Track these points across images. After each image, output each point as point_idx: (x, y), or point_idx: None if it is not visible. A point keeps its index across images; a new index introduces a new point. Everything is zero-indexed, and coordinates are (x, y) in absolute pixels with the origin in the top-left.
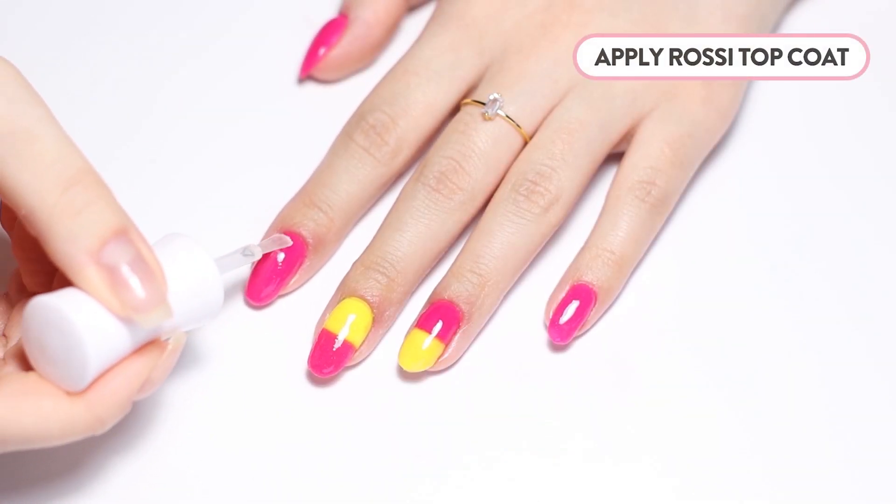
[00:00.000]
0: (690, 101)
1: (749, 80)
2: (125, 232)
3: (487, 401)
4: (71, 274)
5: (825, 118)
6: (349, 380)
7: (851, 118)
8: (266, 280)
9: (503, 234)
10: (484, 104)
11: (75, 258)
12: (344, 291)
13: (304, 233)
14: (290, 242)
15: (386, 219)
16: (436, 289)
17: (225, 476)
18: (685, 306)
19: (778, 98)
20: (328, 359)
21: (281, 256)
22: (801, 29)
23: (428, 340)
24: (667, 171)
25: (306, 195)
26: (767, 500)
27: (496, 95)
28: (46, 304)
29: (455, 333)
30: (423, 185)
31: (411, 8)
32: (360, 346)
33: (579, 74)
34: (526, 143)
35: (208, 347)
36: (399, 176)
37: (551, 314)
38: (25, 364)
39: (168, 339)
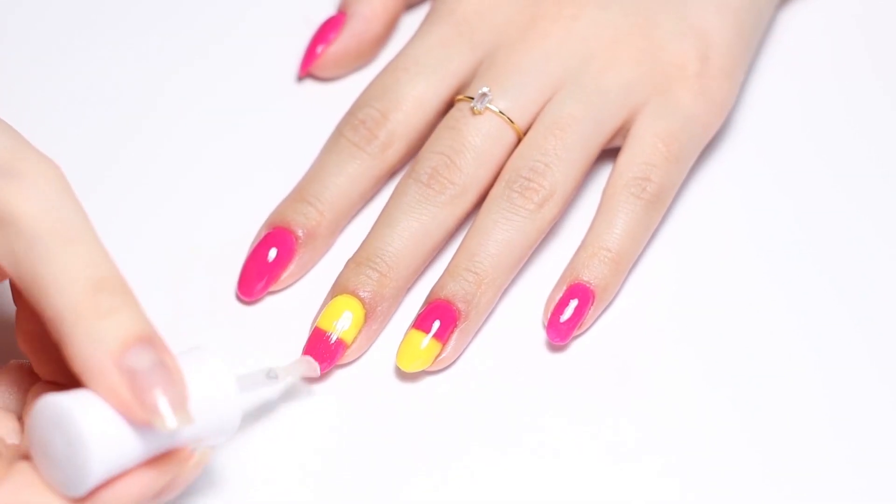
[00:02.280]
0: (684, 95)
1: (744, 72)
2: (149, 339)
3: (486, 401)
4: (89, 376)
5: (824, 115)
6: (347, 380)
7: (850, 116)
8: (257, 275)
9: (498, 231)
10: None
11: (97, 360)
12: (337, 289)
13: (294, 228)
14: (317, 371)
15: (379, 216)
16: (433, 289)
17: (220, 475)
18: (684, 305)
19: (776, 95)
20: (321, 355)
21: (272, 252)
22: (798, 27)
23: (426, 340)
24: (662, 166)
25: (297, 192)
26: (767, 499)
27: (485, 89)
28: (53, 404)
29: (452, 333)
30: (414, 182)
31: (410, 5)
32: (353, 342)
33: (571, 69)
34: (520, 139)
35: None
36: (392, 171)
37: (549, 314)
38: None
39: (193, 451)
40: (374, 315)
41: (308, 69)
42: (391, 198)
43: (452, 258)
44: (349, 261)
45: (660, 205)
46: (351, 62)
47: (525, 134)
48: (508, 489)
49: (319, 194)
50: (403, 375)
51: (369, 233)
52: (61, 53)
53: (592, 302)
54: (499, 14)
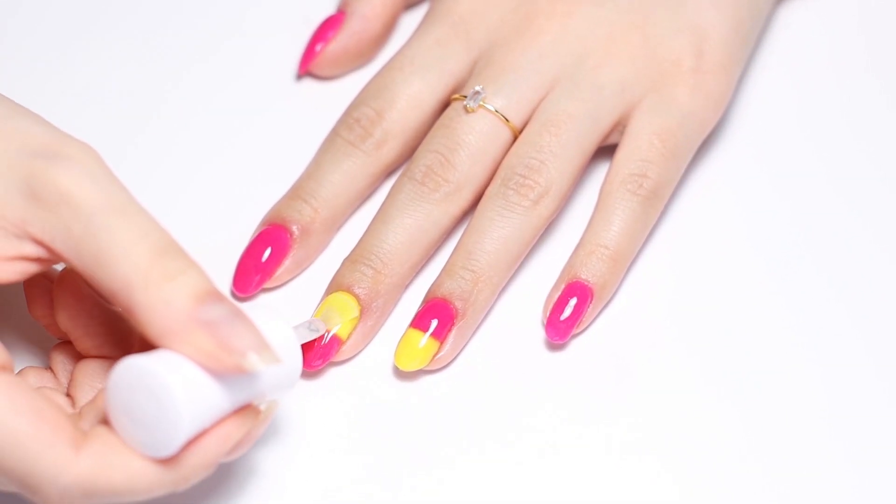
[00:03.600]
0: (680, 91)
1: (741, 67)
2: (218, 294)
3: (484, 400)
4: (169, 337)
5: (821, 113)
6: (345, 379)
7: (848, 113)
8: (252, 271)
9: (495, 229)
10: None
11: (174, 321)
12: (333, 286)
13: (289, 224)
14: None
15: (375, 215)
16: (430, 287)
17: (220, 475)
18: (682, 303)
19: (773, 92)
20: (316, 352)
21: (267, 248)
22: (797, 26)
23: (423, 339)
24: (658, 162)
25: (293, 190)
26: (768, 498)
27: (479, 87)
28: (137, 366)
29: (450, 331)
30: (409, 180)
31: (409, 5)
32: (348, 338)
33: (566, 66)
34: (515, 137)
35: None
36: (388, 170)
37: (548, 312)
38: (107, 422)
39: (261, 405)
40: (369, 311)
41: (307, 68)
42: (387, 196)
43: (450, 257)
44: (345, 259)
45: (657, 201)
46: (350, 61)
47: (521, 132)
48: (507, 488)
49: (315, 192)
50: (401, 374)
51: (365, 231)
52: (60, 54)
53: (591, 300)
54: (494, 13)
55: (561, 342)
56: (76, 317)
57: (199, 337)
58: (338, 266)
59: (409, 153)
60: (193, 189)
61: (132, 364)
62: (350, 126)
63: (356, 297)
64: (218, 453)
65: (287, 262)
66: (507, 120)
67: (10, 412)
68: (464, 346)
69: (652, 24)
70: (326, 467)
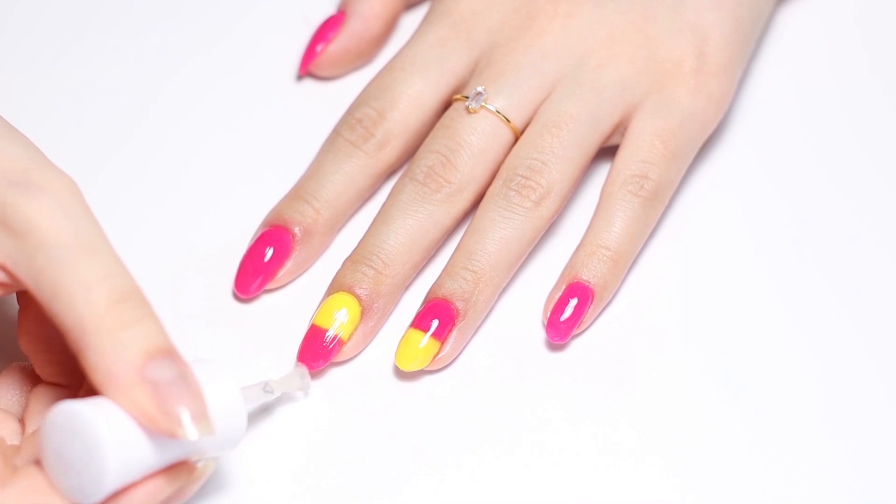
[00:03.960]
0: (681, 92)
1: (742, 68)
2: (170, 352)
3: (485, 400)
4: (111, 387)
5: (822, 114)
6: (346, 379)
7: (848, 114)
8: (254, 273)
9: (496, 230)
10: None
11: (119, 371)
12: (334, 287)
13: (291, 226)
14: (308, 384)
15: (376, 216)
16: (431, 288)
17: (219, 475)
18: (683, 304)
19: (774, 93)
20: (317, 353)
21: (269, 250)
22: (797, 26)
23: (424, 339)
24: (659, 163)
25: (294, 191)
26: (768, 498)
27: (480, 88)
28: (71, 411)
29: (451, 331)
30: (410, 180)
31: (410, 5)
32: (349, 339)
33: (567, 67)
34: (517, 138)
35: (200, 344)
36: (390, 170)
37: (549, 313)
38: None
39: (197, 462)
40: (370, 312)
41: (307, 68)
42: (388, 197)
43: (451, 257)
44: (346, 259)
45: (658, 202)
46: (350, 61)
47: (522, 133)
48: (507, 488)
49: (316, 192)
50: (402, 375)
51: (366, 231)
52: (59, 53)
53: (592, 301)
54: (495, 13)
55: (561, 343)
56: (36, 341)
57: (140, 394)
58: (338, 266)
59: (410, 153)
60: (194, 190)
61: (67, 409)
62: (352, 126)
63: (357, 297)
64: None
65: (289, 264)
66: (508, 120)
67: None
68: (464, 347)
69: (653, 24)
70: (326, 467)
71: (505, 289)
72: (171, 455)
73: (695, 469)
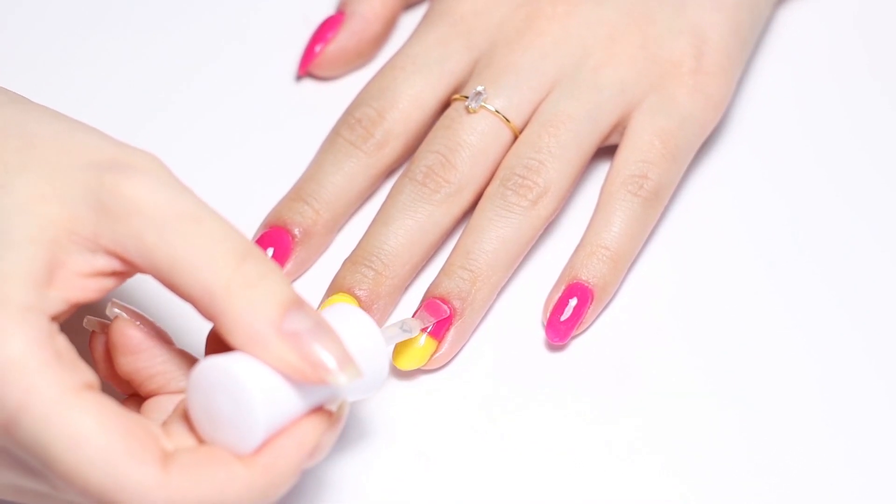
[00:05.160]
0: (680, 93)
1: (741, 69)
2: (300, 302)
3: (484, 400)
4: (252, 345)
5: (821, 114)
6: None
7: (848, 114)
8: None
9: (493, 229)
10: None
11: (258, 329)
12: (333, 288)
13: (291, 227)
14: (446, 313)
15: (375, 216)
16: (429, 287)
17: None
18: (683, 304)
19: (774, 93)
20: None
21: (269, 251)
22: (797, 26)
23: (422, 338)
24: (658, 163)
25: (294, 191)
26: (767, 497)
27: (480, 88)
28: (216, 366)
29: (448, 330)
30: (410, 181)
31: (409, 5)
32: None
33: (566, 67)
34: (516, 138)
35: (201, 344)
36: (389, 170)
37: (549, 314)
38: (191, 431)
39: (333, 408)
40: (370, 313)
41: (307, 68)
42: (388, 197)
43: (448, 257)
44: (346, 260)
45: (657, 202)
46: (350, 61)
47: (521, 132)
48: (506, 488)
49: (316, 193)
50: (400, 373)
51: (366, 232)
52: (60, 55)
53: (591, 301)
54: (495, 13)
55: (561, 343)
56: (137, 361)
57: (283, 348)
58: (335, 266)
59: (409, 153)
60: (191, 188)
61: (210, 364)
62: (351, 126)
63: (357, 298)
64: (300, 456)
65: (289, 264)
66: (507, 120)
67: (100, 429)
68: (462, 346)
69: (652, 25)
70: (325, 466)
71: (504, 289)
72: (314, 400)
73: (695, 468)
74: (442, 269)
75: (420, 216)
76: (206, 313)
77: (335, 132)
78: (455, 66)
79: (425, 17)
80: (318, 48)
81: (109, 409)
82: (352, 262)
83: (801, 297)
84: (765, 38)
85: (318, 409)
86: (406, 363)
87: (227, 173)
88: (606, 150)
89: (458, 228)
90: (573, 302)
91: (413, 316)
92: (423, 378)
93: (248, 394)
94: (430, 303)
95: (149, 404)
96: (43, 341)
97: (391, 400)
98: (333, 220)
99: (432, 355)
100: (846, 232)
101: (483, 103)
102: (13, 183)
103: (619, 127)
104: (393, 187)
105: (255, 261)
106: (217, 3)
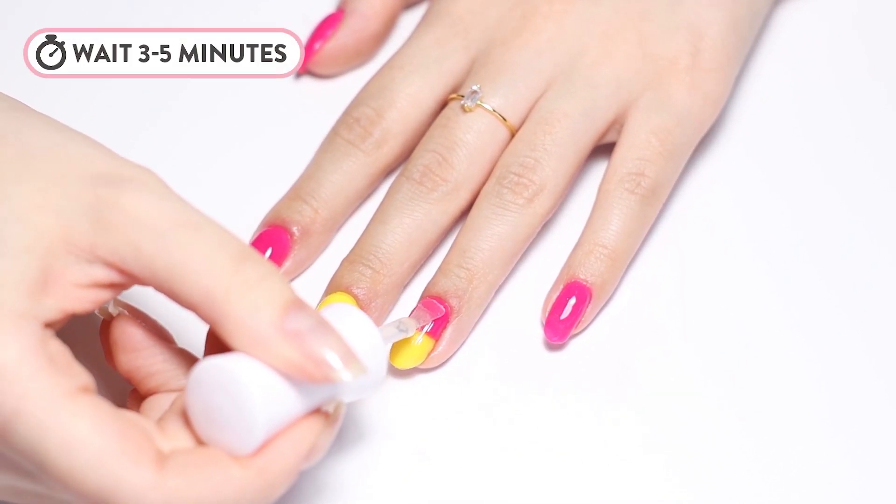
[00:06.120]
0: (676, 90)
1: (738, 66)
2: (300, 301)
3: (483, 399)
4: (254, 346)
5: (819, 112)
6: None
7: (846, 113)
8: None
9: (490, 227)
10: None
11: (260, 331)
12: (332, 287)
13: (290, 225)
14: (441, 311)
15: (373, 215)
16: (426, 286)
17: None
18: (682, 302)
19: (772, 91)
20: None
21: (268, 251)
22: (796, 25)
23: (419, 337)
24: (656, 161)
25: (293, 190)
26: (768, 496)
27: (476, 87)
28: (216, 366)
29: (445, 329)
30: (407, 179)
31: (409, 4)
32: None
33: (562, 65)
34: (513, 136)
35: (200, 344)
36: (388, 170)
37: (547, 313)
38: (187, 429)
39: (330, 409)
40: (368, 312)
41: (306, 66)
42: (385, 196)
43: (446, 255)
44: (344, 259)
45: (655, 200)
46: (349, 59)
47: (518, 131)
48: (505, 488)
49: (315, 192)
50: (397, 372)
51: (364, 231)
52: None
53: (590, 300)
54: (492, 12)
55: (560, 342)
56: (136, 358)
57: (285, 348)
58: (333, 265)
59: (408, 152)
60: (192, 190)
61: (210, 364)
62: (350, 126)
63: (355, 297)
64: (297, 458)
65: (288, 263)
66: (504, 119)
67: (95, 432)
68: (461, 345)
69: (649, 22)
70: (323, 466)
71: (503, 288)
72: (312, 401)
73: (695, 468)
74: (439, 268)
75: (417, 215)
76: (206, 318)
77: (334, 132)
78: (453, 65)
79: (424, 18)
80: (317, 45)
81: (104, 412)
82: (350, 260)
83: (799, 296)
84: (763, 37)
85: (315, 411)
86: (403, 362)
87: (226, 172)
88: (604, 148)
89: (455, 227)
90: (572, 301)
91: (410, 315)
92: (422, 377)
93: (249, 395)
94: (427, 301)
95: (148, 402)
96: (36, 347)
97: (390, 400)
98: (332, 219)
99: (429, 354)
100: (844, 230)
101: (479, 102)
102: (9, 192)
103: (616, 124)
104: (391, 186)
105: (253, 263)
106: (217, 3)
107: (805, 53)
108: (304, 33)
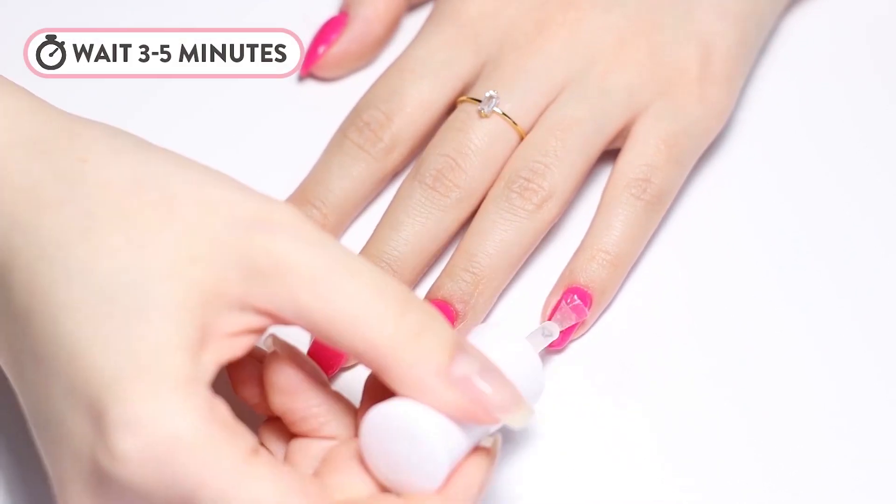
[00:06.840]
0: (686, 99)
1: (745, 78)
2: (464, 345)
3: None
4: (422, 395)
5: (825, 119)
6: (347, 381)
7: (853, 120)
8: None
9: (497, 232)
10: (480, 101)
11: (427, 381)
12: None
13: None
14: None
15: (383, 218)
16: (430, 289)
17: None
18: (683, 308)
19: (778, 98)
20: (325, 360)
21: None
22: (803, 30)
23: None
24: (662, 168)
25: (301, 193)
26: (770, 496)
27: (492, 93)
28: (392, 413)
29: None
30: (419, 184)
31: (412, 6)
32: None
33: (575, 72)
34: (521, 140)
35: None
36: (394, 173)
37: (547, 317)
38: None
39: (487, 444)
40: None
41: (309, 69)
42: (395, 199)
43: (450, 258)
44: None
45: (659, 206)
46: (352, 63)
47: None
48: (505, 488)
49: (324, 197)
50: None
51: (374, 234)
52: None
53: (590, 305)
54: (503, 17)
55: (559, 347)
56: (293, 401)
57: (454, 395)
58: None
59: (413, 157)
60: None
61: (385, 412)
62: (359, 128)
63: None
64: (473, 496)
65: None
66: (515, 124)
67: (279, 494)
68: None
69: (660, 32)
70: None
71: (505, 291)
72: (475, 437)
73: (696, 470)
74: (444, 271)
75: (430, 221)
76: (369, 365)
77: (342, 133)
78: (462, 69)
79: (430, 19)
80: (321, 50)
81: (281, 471)
82: None
83: (805, 301)
84: (769, 43)
85: (477, 448)
86: None
87: (230, 174)
88: (609, 154)
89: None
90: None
91: (550, 318)
92: None
93: (430, 438)
94: (433, 305)
95: (296, 444)
96: (208, 413)
97: None
98: (340, 224)
99: None
100: (851, 235)
101: (495, 108)
102: (154, 244)
103: (625, 132)
104: (400, 189)
105: (416, 311)
106: (217, 3)
107: (810, 59)
108: (304, 33)
